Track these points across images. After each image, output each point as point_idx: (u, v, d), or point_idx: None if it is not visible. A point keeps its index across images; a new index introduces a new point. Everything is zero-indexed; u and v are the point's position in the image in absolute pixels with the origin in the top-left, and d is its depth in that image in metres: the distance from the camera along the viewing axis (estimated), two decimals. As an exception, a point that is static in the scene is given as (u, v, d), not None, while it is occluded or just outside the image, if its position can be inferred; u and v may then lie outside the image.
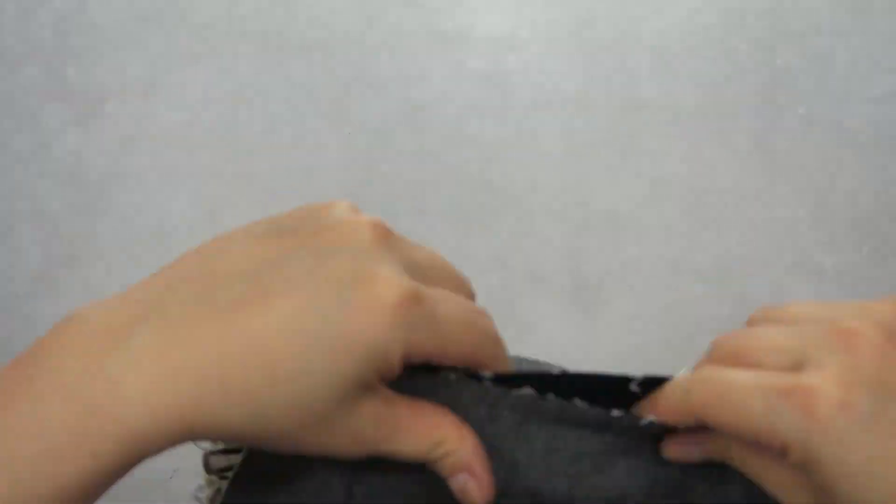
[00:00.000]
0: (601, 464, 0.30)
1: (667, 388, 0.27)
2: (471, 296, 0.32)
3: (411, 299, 0.30)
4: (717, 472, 0.29)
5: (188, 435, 0.27)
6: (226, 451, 0.39)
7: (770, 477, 0.27)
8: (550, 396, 0.29)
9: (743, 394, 0.25)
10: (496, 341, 0.30)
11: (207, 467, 0.39)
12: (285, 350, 0.29)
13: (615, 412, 0.28)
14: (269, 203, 0.64)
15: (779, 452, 0.25)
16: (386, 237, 0.30)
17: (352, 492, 0.32)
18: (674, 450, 0.29)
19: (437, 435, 0.30)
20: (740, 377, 0.26)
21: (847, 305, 0.26)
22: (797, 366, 0.26)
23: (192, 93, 0.67)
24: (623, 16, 0.63)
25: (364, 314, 0.28)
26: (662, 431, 0.29)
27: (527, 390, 0.30)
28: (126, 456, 0.27)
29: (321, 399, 0.28)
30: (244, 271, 0.29)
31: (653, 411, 0.27)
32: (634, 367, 0.39)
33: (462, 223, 0.61)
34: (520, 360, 0.34)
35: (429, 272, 0.30)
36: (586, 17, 0.64)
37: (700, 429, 0.27)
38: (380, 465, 0.31)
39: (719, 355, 0.28)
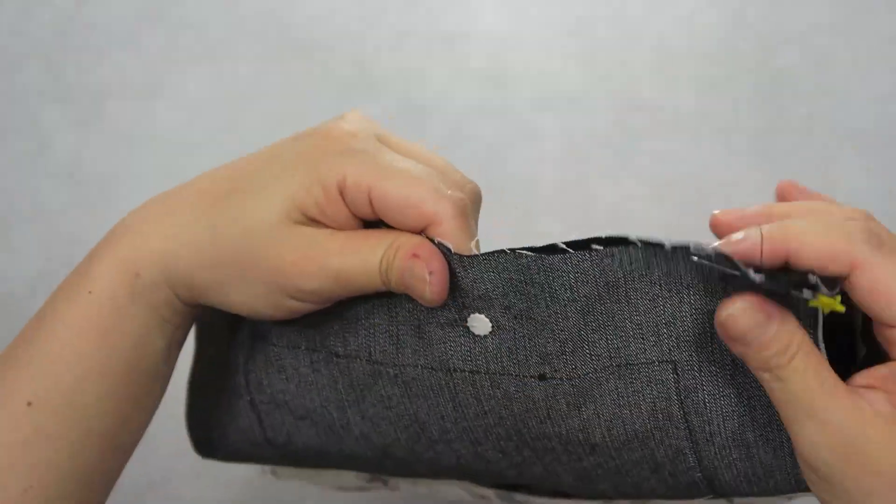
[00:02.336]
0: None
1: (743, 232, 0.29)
2: (461, 183, 0.34)
3: (356, 134, 0.33)
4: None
5: (170, 274, 0.33)
6: None
7: None
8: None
9: (822, 224, 0.28)
10: (446, 202, 0.32)
11: None
12: (245, 177, 0.34)
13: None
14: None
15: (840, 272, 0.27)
16: (368, 120, 0.34)
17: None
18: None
19: (385, 239, 0.31)
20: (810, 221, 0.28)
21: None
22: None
23: (192, 93, 0.67)
24: (623, 16, 0.63)
25: (311, 145, 0.33)
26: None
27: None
28: (124, 292, 0.33)
29: (268, 210, 0.32)
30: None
31: (727, 249, 0.28)
32: (634, 367, 0.38)
33: (462, 223, 0.61)
34: None
35: (407, 148, 0.33)
36: (587, 16, 0.64)
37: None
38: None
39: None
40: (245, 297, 0.32)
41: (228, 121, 0.66)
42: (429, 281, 0.30)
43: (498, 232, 0.62)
